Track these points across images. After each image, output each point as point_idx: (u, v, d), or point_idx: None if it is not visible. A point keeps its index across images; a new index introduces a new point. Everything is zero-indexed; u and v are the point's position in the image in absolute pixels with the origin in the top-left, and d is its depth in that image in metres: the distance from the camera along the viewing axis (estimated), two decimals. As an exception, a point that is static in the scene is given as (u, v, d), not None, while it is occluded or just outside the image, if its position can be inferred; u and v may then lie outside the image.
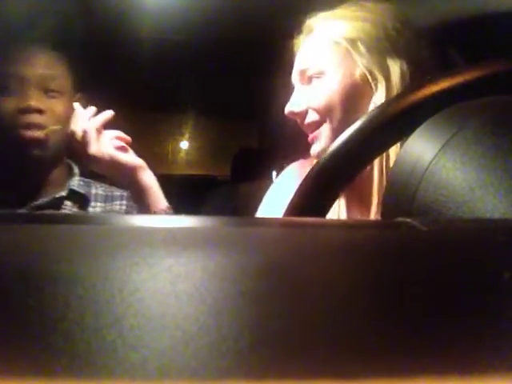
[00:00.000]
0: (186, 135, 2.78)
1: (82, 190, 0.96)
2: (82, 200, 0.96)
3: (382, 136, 0.37)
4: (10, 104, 0.90)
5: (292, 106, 0.72)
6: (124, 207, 0.99)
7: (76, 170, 1.00)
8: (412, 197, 0.29)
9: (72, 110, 0.92)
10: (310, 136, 0.71)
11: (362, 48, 0.68)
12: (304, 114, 0.71)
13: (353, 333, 0.12)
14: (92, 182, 1.01)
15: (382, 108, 0.37)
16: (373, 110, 0.38)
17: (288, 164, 0.83)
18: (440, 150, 0.29)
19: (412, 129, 0.33)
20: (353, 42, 0.69)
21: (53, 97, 0.94)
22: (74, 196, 0.95)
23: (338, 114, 0.68)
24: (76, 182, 0.97)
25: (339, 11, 0.72)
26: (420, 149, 0.31)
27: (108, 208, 0.98)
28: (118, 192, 1.01)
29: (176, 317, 0.12)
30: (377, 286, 0.15)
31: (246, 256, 0.17)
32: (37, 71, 0.93)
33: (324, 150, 0.38)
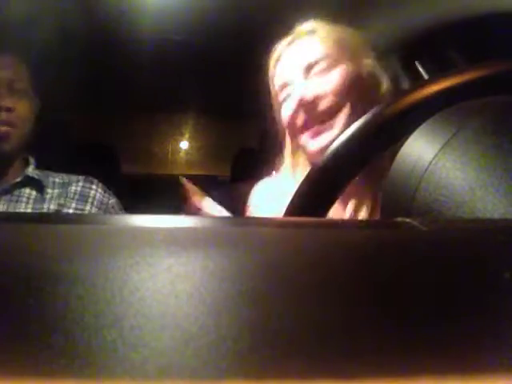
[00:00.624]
0: (186, 135, 2.78)
1: (36, 177, 1.01)
2: (37, 186, 1.01)
3: (381, 136, 0.37)
4: None
5: (303, 94, 0.71)
6: (80, 188, 1.04)
7: (32, 161, 1.06)
8: (412, 197, 0.29)
9: (33, 109, 1.00)
10: (318, 128, 0.71)
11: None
12: (317, 101, 0.71)
13: (352, 333, 0.12)
14: (49, 172, 1.06)
15: (381, 108, 0.37)
16: (372, 110, 0.38)
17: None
18: (440, 150, 0.29)
19: (412, 129, 0.33)
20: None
21: (19, 97, 0.99)
22: (30, 182, 1.01)
23: (356, 99, 0.69)
24: (31, 170, 1.03)
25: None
26: (420, 149, 0.31)
27: (63, 193, 1.02)
28: (74, 177, 1.06)
29: (176, 317, 0.12)
30: (377, 285, 0.15)
31: (246, 256, 0.17)
32: (4, 73, 0.99)
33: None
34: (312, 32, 0.75)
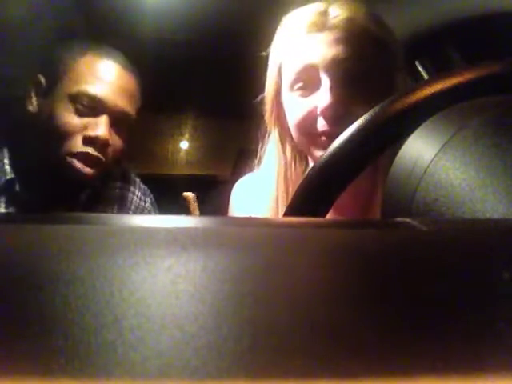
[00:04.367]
0: (186, 135, 2.78)
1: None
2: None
3: (381, 136, 0.37)
4: (78, 125, 0.82)
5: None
6: (118, 190, 0.97)
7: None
8: (412, 197, 0.29)
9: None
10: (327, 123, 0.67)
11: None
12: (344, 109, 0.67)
13: (353, 333, 0.12)
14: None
15: (381, 108, 0.37)
16: (372, 111, 0.38)
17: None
18: (440, 150, 0.29)
19: (412, 129, 0.33)
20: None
21: (119, 130, 0.87)
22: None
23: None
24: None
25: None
26: (420, 149, 0.31)
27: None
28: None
29: (176, 317, 0.12)
30: (376, 285, 0.15)
31: (246, 256, 0.17)
32: (116, 100, 0.85)
33: None
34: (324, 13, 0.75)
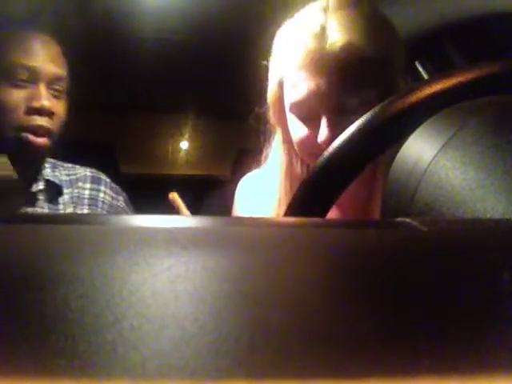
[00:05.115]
0: (186, 135, 2.78)
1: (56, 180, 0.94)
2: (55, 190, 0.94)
3: (381, 136, 0.37)
4: (19, 99, 0.83)
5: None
6: (88, 191, 0.96)
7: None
8: (412, 197, 0.29)
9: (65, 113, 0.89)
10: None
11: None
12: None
13: (352, 333, 0.12)
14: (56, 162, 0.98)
15: (381, 109, 0.37)
16: (372, 111, 0.38)
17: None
18: (440, 150, 0.29)
19: (412, 129, 0.33)
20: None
21: (58, 98, 0.88)
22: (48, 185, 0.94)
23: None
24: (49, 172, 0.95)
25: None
26: (420, 149, 0.31)
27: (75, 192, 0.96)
28: (81, 171, 0.98)
29: (176, 317, 0.12)
30: (376, 285, 0.15)
31: (246, 256, 0.17)
32: (50, 66, 0.87)
33: None
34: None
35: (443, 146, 0.29)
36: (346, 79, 0.64)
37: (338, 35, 0.64)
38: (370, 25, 0.67)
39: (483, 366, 0.11)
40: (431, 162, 0.29)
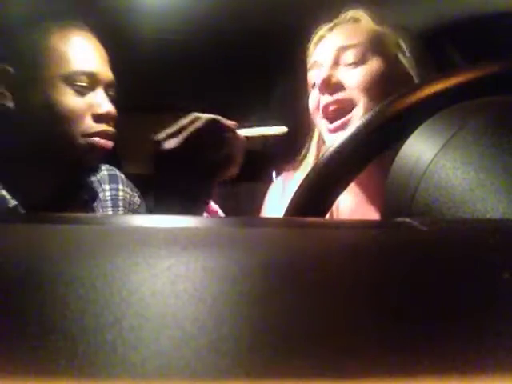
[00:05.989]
0: (186, 135, 2.77)
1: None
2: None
3: (382, 136, 0.37)
4: (84, 105, 0.82)
5: (329, 75, 0.72)
6: (108, 193, 0.96)
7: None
8: (412, 197, 0.29)
9: None
10: (337, 124, 0.71)
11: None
12: (337, 87, 0.71)
13: (353, 333, 0.12)
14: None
15: (381, 108, 0.37)
16: (372, 111, 0.38)
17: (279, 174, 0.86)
18: (440, 150, 0.29)
19: (412, 129, 0.33)
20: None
21: (112, 102, 0.88)
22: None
23: (373, 96, 0.69)
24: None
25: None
26: (420, 149, 0.31)
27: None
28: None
29: (176, 317, 0.12)
30: (376, 285, 0.15)
31: (246, 256, 0.17)
32: (106, 71, 0.86)
33: None
34: (355, 20, 0.76)
35: (443, 146, 0.29)
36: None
37: (353, 55, 0.73)
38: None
39: (483, 366, 0.11)
40: (431, 161, 0.29)
